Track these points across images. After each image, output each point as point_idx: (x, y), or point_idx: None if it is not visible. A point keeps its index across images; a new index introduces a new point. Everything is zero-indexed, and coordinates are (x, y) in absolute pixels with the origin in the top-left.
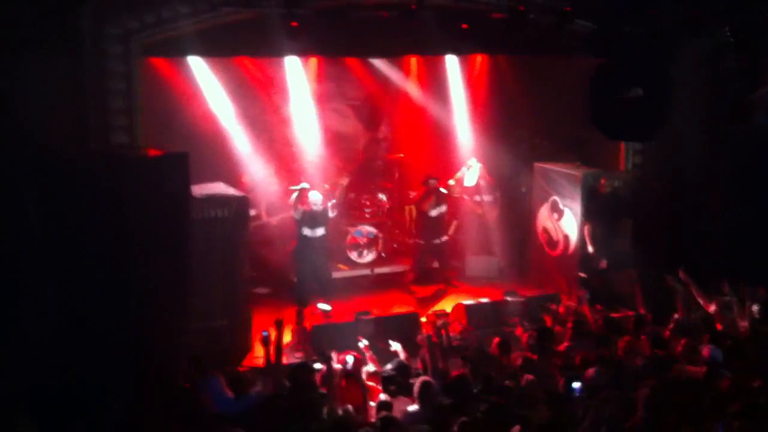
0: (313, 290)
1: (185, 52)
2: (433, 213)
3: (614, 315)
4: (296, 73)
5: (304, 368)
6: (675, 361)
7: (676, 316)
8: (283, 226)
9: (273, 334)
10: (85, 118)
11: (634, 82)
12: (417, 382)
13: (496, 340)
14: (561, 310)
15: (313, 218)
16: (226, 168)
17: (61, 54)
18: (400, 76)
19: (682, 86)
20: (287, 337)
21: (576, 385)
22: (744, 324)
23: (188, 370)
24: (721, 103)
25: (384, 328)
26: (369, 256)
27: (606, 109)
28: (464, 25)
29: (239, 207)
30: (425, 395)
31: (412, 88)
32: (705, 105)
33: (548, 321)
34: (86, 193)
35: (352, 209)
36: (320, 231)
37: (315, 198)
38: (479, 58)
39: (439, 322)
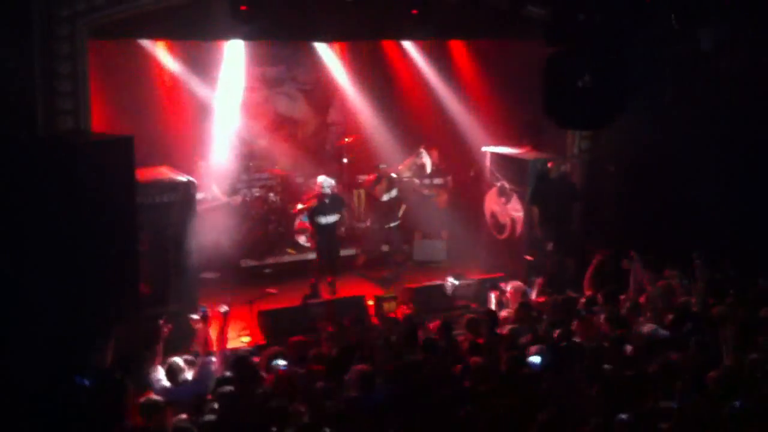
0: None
1: (133, 35)
2: (385, 198)
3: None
4: (240, 56)
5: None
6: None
7: (622, 297)
8: (231, 210)
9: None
10: (32, 101)
11: (587, 70)
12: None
13: (437, 323)
14: (509, 293)
15: (324, 207)
16: (180, 151)
17: (8, 35)
18: (349, 60)
19: (633, 72)
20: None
21: (535, 359)
22: (691, 300)
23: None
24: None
25: (332, 311)
26: None
27: (558, 97)
28: (414, 11)
29: (186, 191)
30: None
31: (362, 73)
32: (655, 89)
33: (494, 304)
34: (32, 179)
35: (300, 194)
36: (332, 218)
37: (327, 182)
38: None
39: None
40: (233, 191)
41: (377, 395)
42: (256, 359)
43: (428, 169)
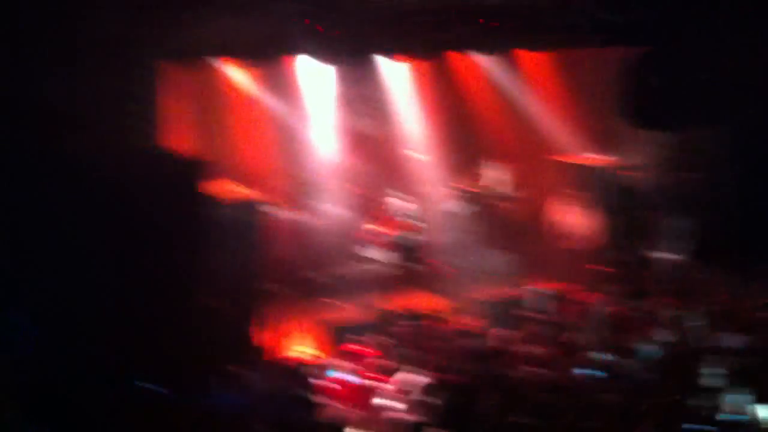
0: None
1: (206, 55)
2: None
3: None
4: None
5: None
6: None
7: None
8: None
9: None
10: (105, 120)
11: (664, 72)
12: None
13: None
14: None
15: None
16: (253, 168)
17: (81, 58)
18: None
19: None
20: None
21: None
22: None
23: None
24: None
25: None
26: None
27: (635, 99)
28: (482, 21)
29: (252, 206)
30: None
31: (433, 87)
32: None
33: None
34: (102, 193)
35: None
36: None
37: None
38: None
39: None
40: (304, 207)
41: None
42: None
43: (490, 182)
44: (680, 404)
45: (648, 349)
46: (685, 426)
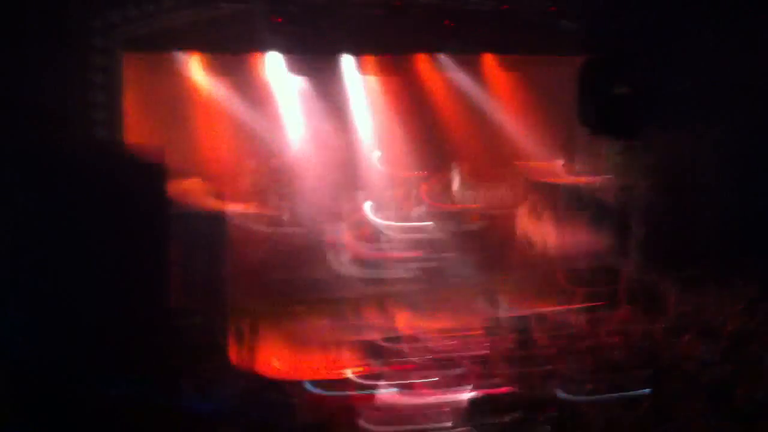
0: None
1: (167, 48)
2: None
3: None
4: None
5: None
6: None
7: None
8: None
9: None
10: (66, 111)
11: (622, 78)
12: None
13: None
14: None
15: None
16: (212, 165)
17: (45, 46)
18: (382, 74)
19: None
20: None
21: None
22: None
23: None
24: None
25: None
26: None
27: (593, 105)
28: (447, 22)
29: (218, 204)
30: None
31: (395, 87)
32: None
33: None
34: (65, 186)
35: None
36: None
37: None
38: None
39: None
40: (262, 205)
41: None
42: None
43: (455, 186)
44: None
45: None
46: None
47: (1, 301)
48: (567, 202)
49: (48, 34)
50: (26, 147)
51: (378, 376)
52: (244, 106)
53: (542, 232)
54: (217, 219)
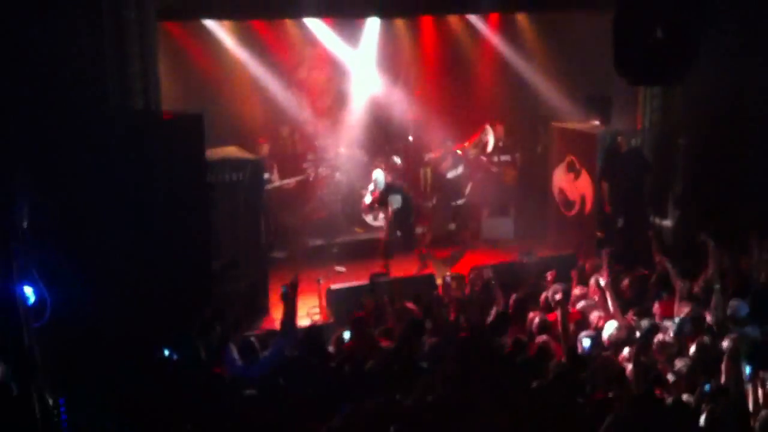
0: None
1: (199, 16)
2: (450, 175)
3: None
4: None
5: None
6: None
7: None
8: (298, 189)
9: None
10: (103, 82)
11: (657, 22)
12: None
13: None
14: (587, 268)
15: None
16: (244, 131)
17: (79, 18)
18: (413, 36)
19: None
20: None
21: (586, 342)
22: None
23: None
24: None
25: (400, 289)
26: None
27: (630, 52)
28: None
29: (254, 170)
30: None
31: (426, 49)
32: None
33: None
34: (104, 156)
35: (366, 172)
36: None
37: (380, 179)
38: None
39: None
40: (289, 173)
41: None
42: None
43: (490, 147)
44: None
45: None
46: None
47: (57, 275)
48: (603, 160)
49: (82, 8)
50: (71, 124)
51: None
52: (278, 72)
53: (579, 190)
54: (255, 184)
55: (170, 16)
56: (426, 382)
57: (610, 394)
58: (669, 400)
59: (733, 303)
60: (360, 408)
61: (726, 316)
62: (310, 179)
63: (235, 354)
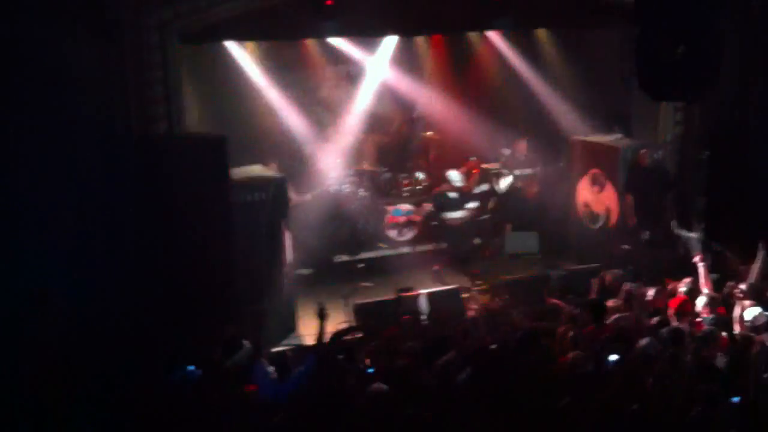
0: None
1: (220, 38)
2: (476, 190)
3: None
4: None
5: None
6: None
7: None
8: (317, 205)
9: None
10: (127, 108)
11: (680, 39)
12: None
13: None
14: (608, 279)
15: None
16: (269, 150)
17: (101, 47)
18: (434, 54)
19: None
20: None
21: (612, 357)
22: None
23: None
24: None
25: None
26: (408, 235)
27: (653, 69)
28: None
29: (278, 189)
30: None
31: (446, 66)
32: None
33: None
34: (128, 179)
35: (389, 189)
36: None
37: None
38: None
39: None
40: (305, 190)
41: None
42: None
43: (519, 162)
44: None
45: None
46: None
47: (80, 285)
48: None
49: (105, 35)
50: (95, 151)
51: None
52: (298, 91)
53: (604, 203)
54: (279, 203)
55: (193, 40)
56: None
57: None
58: None
59: None
60: None
61: None
62: (340, 194)
63: (268, 368)
